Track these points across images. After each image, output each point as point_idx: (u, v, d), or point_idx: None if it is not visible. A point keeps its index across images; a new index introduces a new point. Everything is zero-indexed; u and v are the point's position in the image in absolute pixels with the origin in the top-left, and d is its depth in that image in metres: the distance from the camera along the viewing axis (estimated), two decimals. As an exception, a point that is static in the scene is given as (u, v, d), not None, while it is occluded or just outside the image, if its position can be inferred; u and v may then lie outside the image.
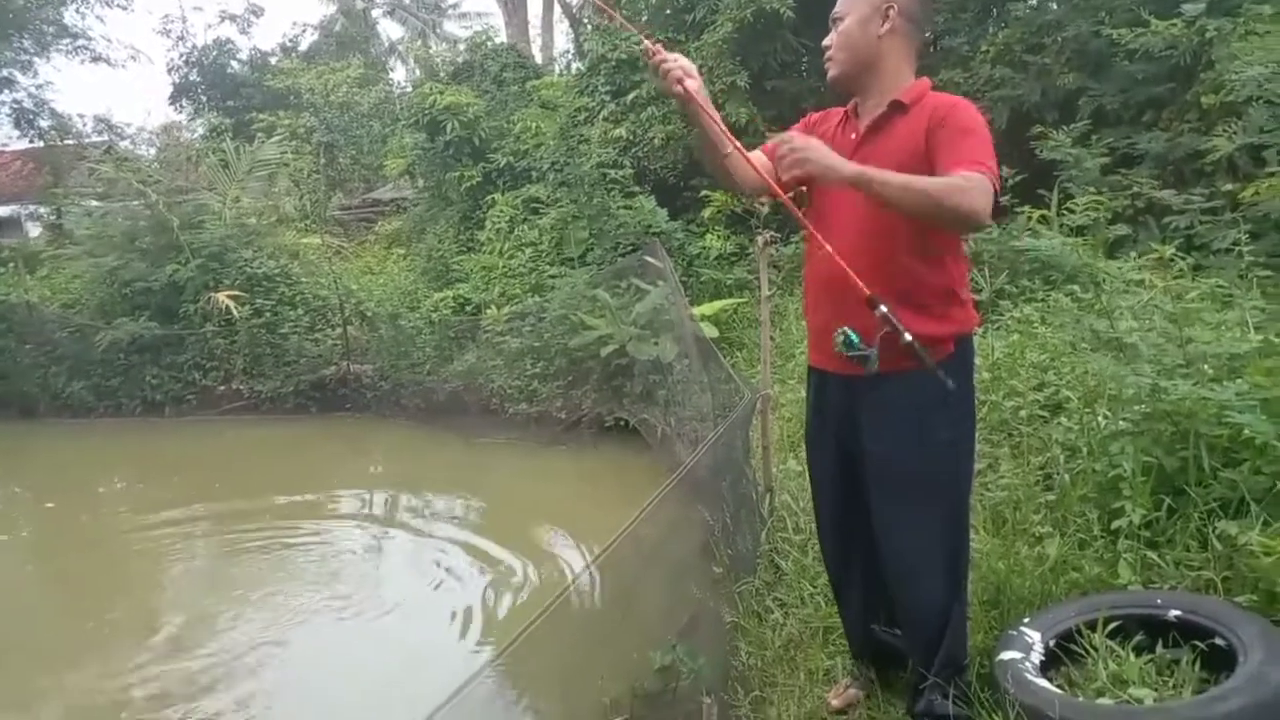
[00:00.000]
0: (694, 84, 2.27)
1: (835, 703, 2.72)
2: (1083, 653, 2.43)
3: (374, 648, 4.77)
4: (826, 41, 2.38)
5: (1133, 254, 5.05)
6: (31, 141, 22.72)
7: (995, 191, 2.09)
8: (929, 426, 2.31)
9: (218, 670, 4.58)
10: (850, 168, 2.08)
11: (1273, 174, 5.13)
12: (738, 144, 2.41)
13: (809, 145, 2.09)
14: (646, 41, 2.37)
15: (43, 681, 4.70)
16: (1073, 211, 4.64)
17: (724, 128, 2.40)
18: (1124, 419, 3.33)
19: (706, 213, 9.82)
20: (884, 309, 2.06)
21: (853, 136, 2.35)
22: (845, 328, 2.22)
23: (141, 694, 4.50)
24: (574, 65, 18.79)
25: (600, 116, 10.98)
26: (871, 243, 2.26)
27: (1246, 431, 2.87)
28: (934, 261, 2.28)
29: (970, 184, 2.05)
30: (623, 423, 8.01)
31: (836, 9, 2.37)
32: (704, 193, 9.84)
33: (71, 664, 4.85)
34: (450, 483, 7.83)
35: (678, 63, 2.27)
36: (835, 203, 2.35)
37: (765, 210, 7.10)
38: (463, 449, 8.64)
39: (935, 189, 2.06)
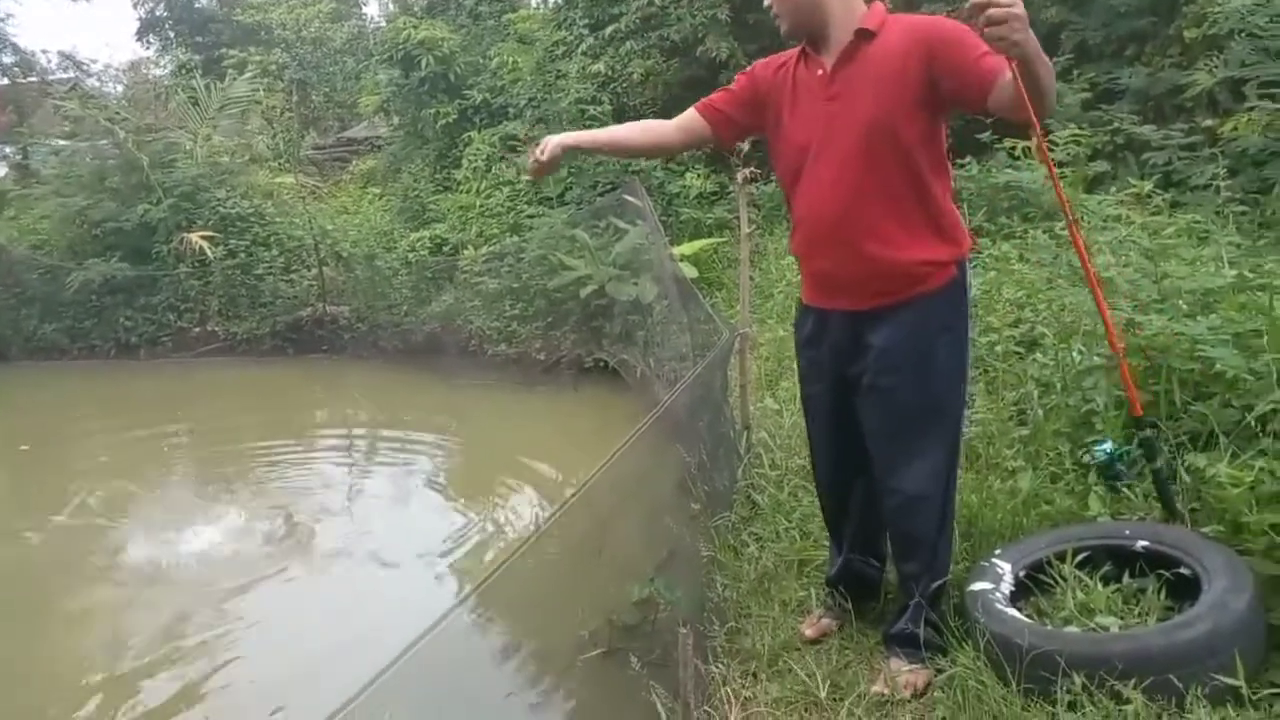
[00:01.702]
0: (551, 144, 2.47)
1: (809, 632, 2.76)
2: (1052, 583, 2.46)
3: (350, 588, 4.77)
4: (767, 3, 2.34)
5: (1112, 190, 5.04)
6: (-6, 79, 22.14)
7: None
8: (934, 354, 2.32)
9: (185, 618, 4.56)
10: (1034, 47, 1.91)
11: (1252, 109, 5.11)
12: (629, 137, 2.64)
13: (1022, 22, 1.87)
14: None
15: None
16: (1055, 145, 4.61)
17: (610, 136, 2.64)
18: (1098, 354, 3.35)
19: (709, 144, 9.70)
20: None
21: (820, 73, 2.31)
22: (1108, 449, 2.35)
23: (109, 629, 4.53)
24: (551, -1, 18.42)
25: (578, 51, 10.78)
26: (859, 172, 2.25)
27: (1218, 365, 2.89)
28: (924, 185, 2.27)
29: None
30: (602, 363, 8.00)
31: None
32: (683, 130, 9.71)
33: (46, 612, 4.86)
34: (429, 423, 7.82)
35: (533, 155, 2.51)
36: (814, 138, 2.32)
37: (745, 148, 7.04)
38: (441, 390, 8.63)
39: (1050, 72, 2.00)
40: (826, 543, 2.94)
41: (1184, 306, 3.31)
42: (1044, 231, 5.18)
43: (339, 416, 8.69)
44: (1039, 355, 3.93)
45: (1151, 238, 3.83)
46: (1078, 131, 5.35)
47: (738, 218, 8.70)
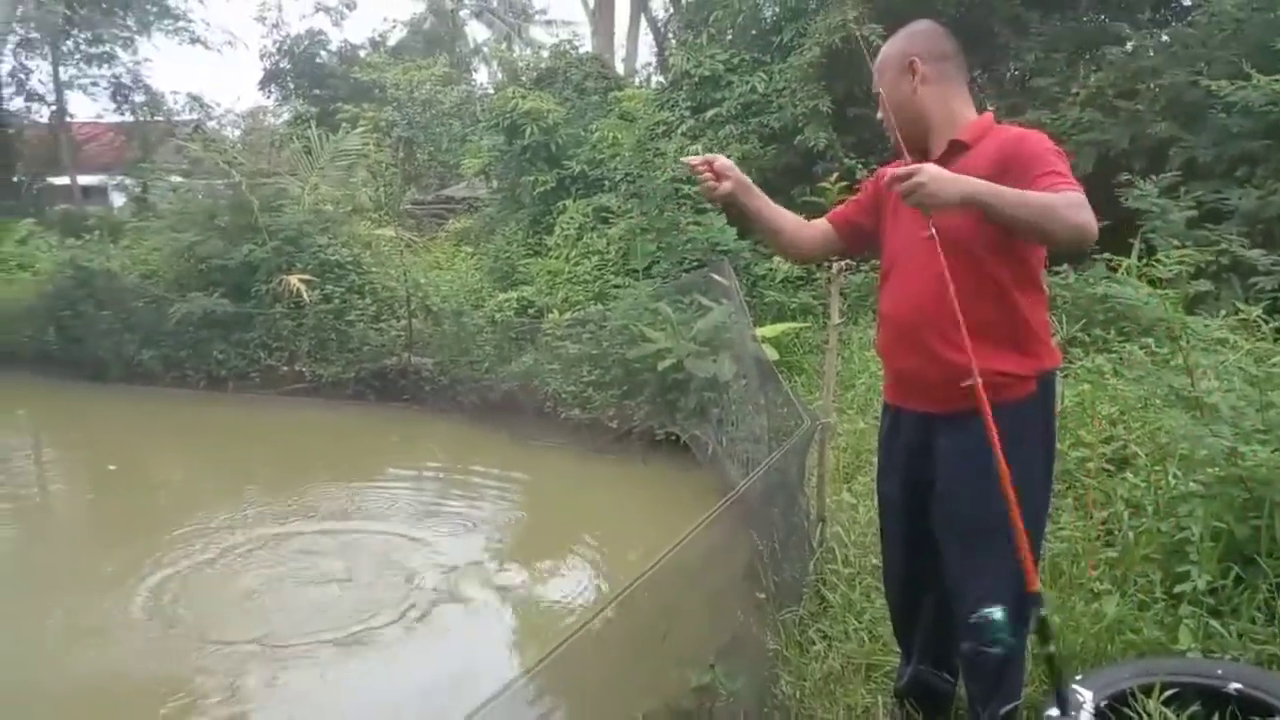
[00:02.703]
0: (728, 184, 2.44)
1: None
2: (1135, 717, 2.36)
3: (409, 651, 4.71)
4: (879, 115, 2.43)
5: (1221, 312, 4.91)
6: (125, 115, 23.56)
7: None
8: (998, 467, 2.26)
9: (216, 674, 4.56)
10: (962, 187, 2.08)
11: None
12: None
13: (925, 176, 2.07)
14: (686, 160, 2.52)
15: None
16: (1162, 264, 4.53)
17: (772, 211, 2.57)
18: (1195, 480, 3.24)
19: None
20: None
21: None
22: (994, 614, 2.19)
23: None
24: (654, 79, 18.91)
25: (678, 131, 11.00)
26: (940, 279, 2.22)
27: (1326, 505, 2.78)
28: (1009, 299, 2.27)
29: (1077, 200, 2.06)
30: (673, 437, 7.98)
31: (874, 85, 2.45)
32: (775, 215, 9.80)
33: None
34: (499, 480, 7.88)
35: (708, 164, 2.43)
36: (902, 238, 2.39)
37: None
38: (513, 448, 8.69)
39: (1051, 201, 2.06)
40: (897, 649, 2.86)
41: (1290, 439, 3.18)
42: (1141, 349, 5.05)
43: (411, 464, 8.81)
44: (1130, 475, 3.82)
45: (1258, 365, 3.71)
46: (1186, 251, 5.24)
47: (823, 304, 8.74)
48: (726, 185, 2.44)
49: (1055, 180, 2.10)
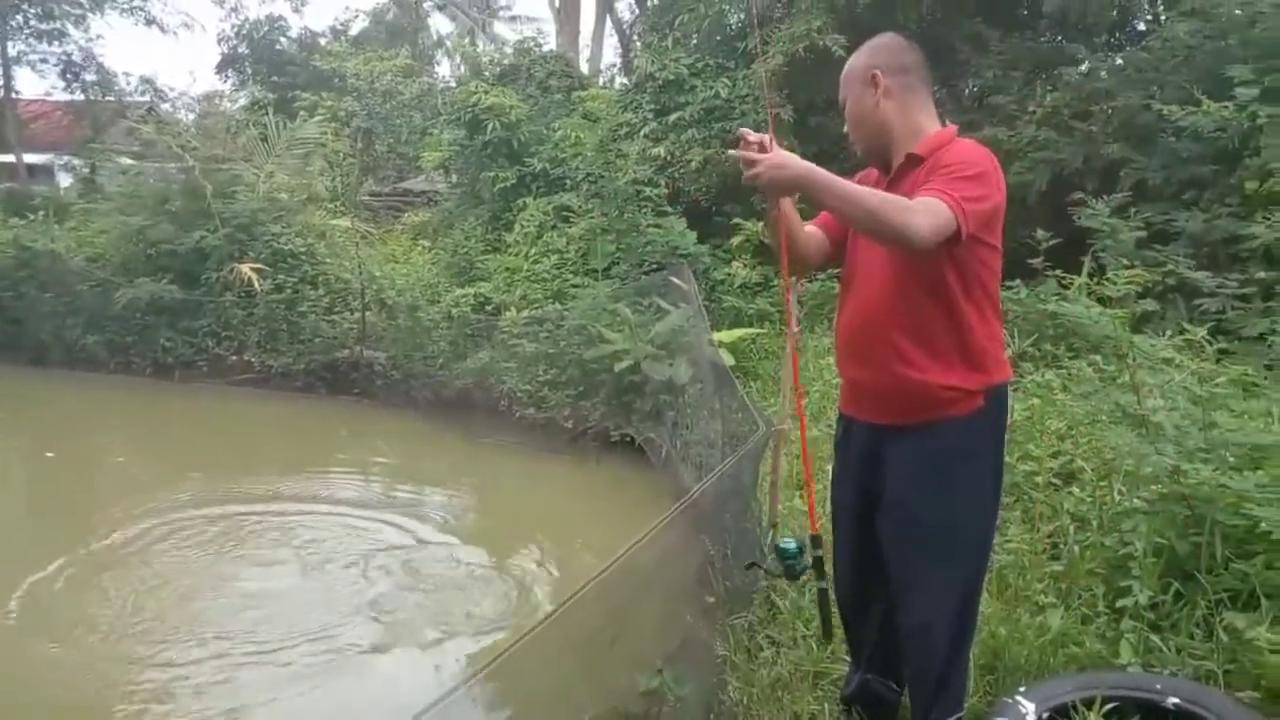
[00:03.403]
0: (787, 204, 2.37)
1: None
2: (1077, 729, 2.39)
3: (349, 654, 4.60)
4: (846, 128, 2.45)
5: (1166, 331, 5.01)
6: (75, 94, 22.96)
7: (960, 219, 2.07)
8: (952, 478, 2.29)
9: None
10: (795, 172, 2.09)
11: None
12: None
13: (762, 165, 2.10)
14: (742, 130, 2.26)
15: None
16: (1114, 283, 4.62)
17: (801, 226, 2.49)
18: (1139, 497, 3.31)
19: (735, 240, 9.82)
20: None
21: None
22: (790, 545, 2.50)
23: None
24: (618, 80, 18.91)
25: (641, 133, 11.01)
26: (891, 291, 2.28)
27: (1264, 525, 2.84)
28: (958, 312, 2.25)
29: (919, 205, 2.06)
30: (628, 439, 7.97)
31: (840, 96, 2.44)
32: (735, 220, 9.85)
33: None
34: (449, 479, 7.81)
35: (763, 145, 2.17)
36: (861, 250, 2.40)
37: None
38: (465, 447, 8.62)
39: (874, 202, 2.06)
40: (846, 656, 2.87)
41: (1230, 459, 3.26)
42: (1089, 365, 5.15)
43: (360, 461, 8.69)
44: (1076, 489, 3.89)
45: (1201, 385, 3.79)
46: (1133, 269, 5.35)
47: (780, 310, 8.80)
48: (786, 205, 2.37)
49: (939, 187, 2.10)
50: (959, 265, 2.22)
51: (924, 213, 2.04)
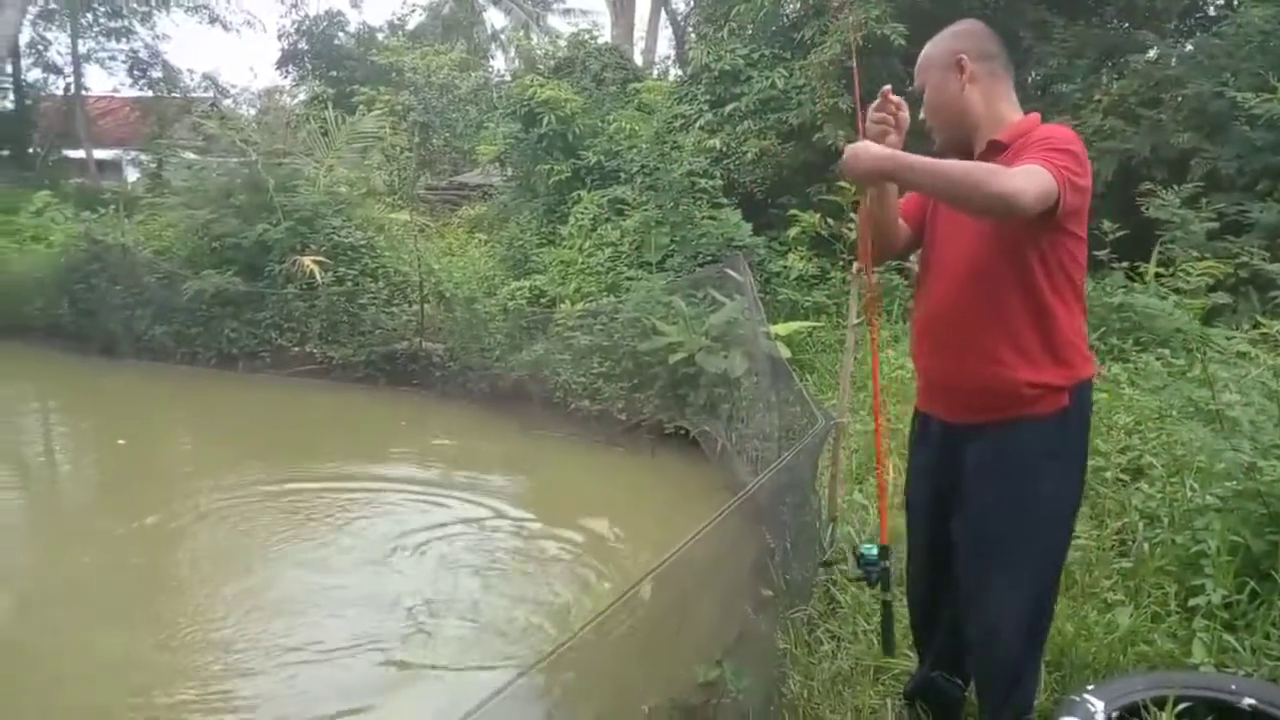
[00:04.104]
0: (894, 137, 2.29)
1: None
2: (1148, 730, 2.35)
3: (408, 637, 4.67)
4: (922, 115, 2.38)
5: (1240, 325, 4.89)
6: (141, 90, 23.58)
7: (1060, 187, 1.98)
8: (1037, 480, 2.22)
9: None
10: (875, 156, 2.07)
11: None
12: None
13: (849, 152, 2.11)
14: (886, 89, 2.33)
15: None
16: (1187, 274, 4.51)
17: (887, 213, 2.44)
18: (1212, 494, 3.23)
19: (792, 232, 9.75)
20: None
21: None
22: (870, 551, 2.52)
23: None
24: (673, 71, 18.86)
25: (696, 125, 10.97)
26: (973, 282, 2.22)
27: (1344, 523, 2.76)
28: (1043, 305, 2.18)
29: (1018, 171, 1.97)
30: (682, 432, 7.97)
31: (916, 83, 2.38)
32: (791, 211, 9.78)
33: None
34: (505, 467, 7.88)
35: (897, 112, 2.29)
36: (940, 240, 2.35)
37: (853, 236, 7.02)
38: (520, 437, 8.69)
39: (967, 170, 1.99)
40: (909, 651, 2.85)
41: (1309, 456, 3.17)
42: (1157, 359, 5.04)
43: (417, 449, 8.82)
44: (1145, 486, 3.80)
45: (1277, 379, 3.68)
46: (1208, 261, 5.21)
47: (837, 303, 8.71)
48: (893, 138, 2.29)
49: (1037, 156, 2.03)
50: (1045, 255, 2.15)
51: (1024, 175, 1.95)
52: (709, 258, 9.65)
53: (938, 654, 2.61)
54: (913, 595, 2.67)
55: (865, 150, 2.08)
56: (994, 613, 2.30)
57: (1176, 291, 5.42)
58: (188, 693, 4.15)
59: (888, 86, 2.22)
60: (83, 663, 4.36)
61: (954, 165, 2.03)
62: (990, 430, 2.24)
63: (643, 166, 11.12)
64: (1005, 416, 2.21)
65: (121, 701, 4.09)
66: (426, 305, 10.69)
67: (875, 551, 2.53)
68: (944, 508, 2.41)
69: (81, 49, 22.38)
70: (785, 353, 7.37)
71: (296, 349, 10.97)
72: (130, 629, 4.73)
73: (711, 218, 10.09)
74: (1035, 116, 2.31)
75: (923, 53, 2.39)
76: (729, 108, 10.80)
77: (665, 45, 26.09)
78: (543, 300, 10.46)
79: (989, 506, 2.27)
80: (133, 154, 22.00)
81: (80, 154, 22.40)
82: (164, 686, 4.17)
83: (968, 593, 2.37)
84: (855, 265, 4.09)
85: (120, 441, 8.58)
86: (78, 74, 22.47)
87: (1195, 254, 5.90)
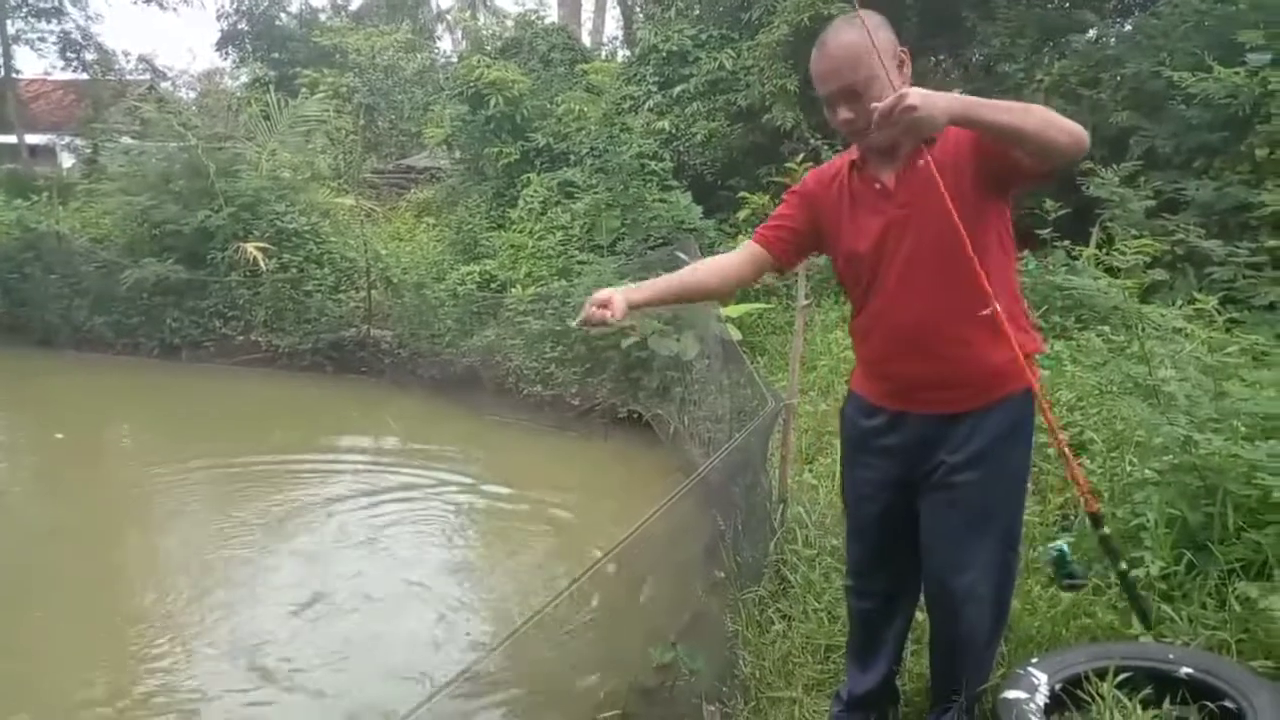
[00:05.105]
0: (619, 303, 2.29)
1: None
2: (1089, 700, 2.40)
3: (353, 629, 4.61)
4: (848, 115, 2.15)
5: (1176, 301, 4.99)
6: (75, 73, 22.86)
7: None
8: (1004, 457, 2.27)
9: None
10: (950, 103, 1.88)
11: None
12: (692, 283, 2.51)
13: (915, 99, 1.85)
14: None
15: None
16: (1123, 253, 4.59)
17: (669, 286, 2.47)
18: (1150, 468, 3.29)
19: (741, 214, 9.77)
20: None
21: (877, 186, 2.23)
22: (1061, 546, 2.25)
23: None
24: (621, 53, 18.77)
25: (645, 107, 10.95)
26: (951, 282, 2.14)
27: (1276, 494, 2.84)
28: (1005, 285, 2.18)
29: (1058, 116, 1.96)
30: (635, 415, 7.99)
31: (843, 81, 2.14)
32: (740, 194, 9.80)
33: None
34: (457, 455, 7.83)
35: (593, 306, 2.30)
36: (895, 247, 2.22)
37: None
38: (473, 423, 8.64)
39: (1028, 108, 1.92)
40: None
41: (1242, 429, 3.25)
42: (1098, 336, 5.14)
43: (368, 438, 8.73)
44: (1086, 461, 3.88)
45: (1212, 354, 3.77)
46: (1143, 239, 5.32)
47: (787, 285, 8.76)
48: (619, 306, 2.28)
49: None
50: (1001, 232, 2.19)
51: (1069, 120, 1.95)
52: (660, 240, 9.65)
53: (895, 647, 2.63)
54: (863, 594, 2.62)
55: (930, 95, 1.86)
56: (966, 587, 2.33)
57: (1114, 270, 5.52)
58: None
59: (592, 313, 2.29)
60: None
61: (1028, 106, 1.94)
62: (978, 415, 2.25)
63: (592, 149, 11.07)
64: (993, 399, 2.23)
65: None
66: (374, 291, 10.56)
67: (1065, 550, 2.28)
68: (903, 499, 2.39)
69: (10, 29, 21.60)
70: (736, 335, 7.40)
71: (241, 338, 10.79)
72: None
73: (662, 200, 10.08)
74: None
75: (849, 45, 2.15)
76: (677, 89, 10.79)
77: (613, 26, 25.93)
78: (493, 285, 10.38)
79: (969, 485, 2.27)
80: (67, 139, 21.33)
81: (12, 139, 21.67)
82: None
83: (942, 570, 2.37)
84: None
85: (58, 435, 8.37)
86: (7, 55, 21.69)
87: (1135, 231, 6.01)
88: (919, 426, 2.33)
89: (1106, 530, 2.17)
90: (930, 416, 2.31)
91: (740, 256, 2.50)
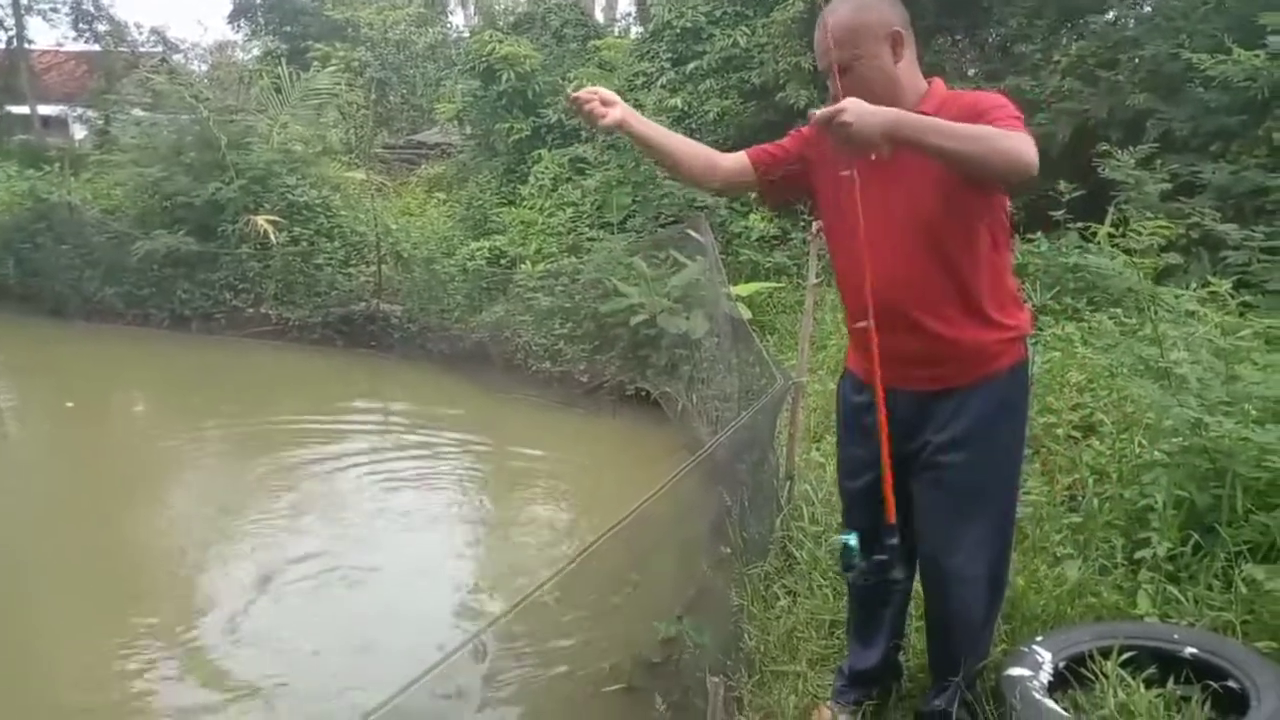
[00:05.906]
0: (617, 111, 2.21)
1: None
2: (1093, 678, 2.40)
3: (359, 601, 4.65)
4: (834, 92, 2.06)
5: (1190, 284, 4.96)
6: (87, 44, 22.85)
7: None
8: (995, 434, 2.26)
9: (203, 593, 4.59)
10: (884, 119, 1.88)
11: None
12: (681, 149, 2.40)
13: (850, 114, 1.86)
14: (572, 94, 2.26)
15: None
16: (1138, 234, 4.56)
17: (665, 137, 2.38)
18: (1160, 450, 3.29)
19: (753, 192, 9.72)
20: None
21: (873, 156, 2.12)
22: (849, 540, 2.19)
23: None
24: (634, 29, 18.65)
25: (658, 84, 10.88)
26: (922, 255, 2.15)
27: (1286, 477, 2.84)
28: (992, 263, 2.18)
29: (1015, 135, 1.91)
30: (643, 393, 7.98)
31: (829, 59, 2.11)
32: (753, 172, 9.74)
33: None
34: (465, 429, 7.85)
35: (595, 95, 2.21)
36: (874, 208, 2.13)
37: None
38: (481, 398, 8.65)
39: (983, 130, 1.91)
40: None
41: (1253, 412, 3.23)
42: (1110, 318, 5.11)
43: (376, 411, 8.76)
44: (1095, 442, 3.87)
45: (1224, 337, 3.76)
46: (1159, 222, 5.28)
47: (798, 264, 8.73)
48: (615, 113, 2.19)
49: (1010, 122, 1.97)
50: (992, 212, 2.16)
51: (1025, 141, 1.90)
52: (671, 218, 9.62)
53: (893, 623, 2.64)
54: (861, 571, 2.61)
55: (865, 110, 1.87)
56: (960, 565, 2.34)
57: (1128, 252, 5.48)
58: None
59: (580, 92, 2.20)
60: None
61: (962, 127, 1.91)
62: (961, 392, 2.24)
63: (604, 125, 10.99)
64: (975, 377, 2.22)
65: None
66: (384, 266, 10.56)
67: (854, 544, 2.23)
68: (899, 474, 2.29)
69: (23, 0, 21.59)
70: (746, 314, 7.39)
71: (251, 310, 10.80)
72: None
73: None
74: (939, 82, 2.23)
75: (840, 22, 2.12)
76: (691, 66, 10.72)
77: (626, 2, 25.75)
78: (503, 261, 10.37)
79: (957, 463, 2.26)
80: (79, 110, 21.33)
81: (24, 110, 21.69)
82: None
83: (935, 549, 2.37)
84: (815, 225, 4.08)
85: (69, 404, 8.42)
86: (20, 26, 21.70)
87: (1149, 214, 5.96)
88: (909, 402, 2.29)
89: (894, 541, 2.17)
90: (914, 393, 2.28)
91: (730, 158, 2.44)
